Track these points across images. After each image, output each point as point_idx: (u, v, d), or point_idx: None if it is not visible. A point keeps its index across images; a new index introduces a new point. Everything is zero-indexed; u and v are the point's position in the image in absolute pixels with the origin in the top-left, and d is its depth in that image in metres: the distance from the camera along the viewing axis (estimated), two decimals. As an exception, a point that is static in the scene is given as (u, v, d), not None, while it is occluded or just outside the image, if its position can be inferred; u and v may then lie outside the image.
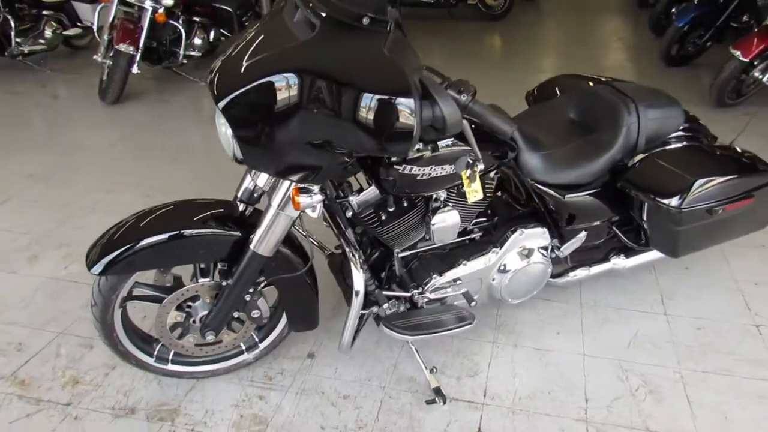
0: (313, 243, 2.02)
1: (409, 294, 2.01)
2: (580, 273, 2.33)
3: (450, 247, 2.12)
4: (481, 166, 1.68)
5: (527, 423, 1.92)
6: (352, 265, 1.75)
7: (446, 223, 1.91)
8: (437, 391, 1.98)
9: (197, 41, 5.51)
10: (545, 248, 2.17)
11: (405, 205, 1.90)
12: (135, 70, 4.79)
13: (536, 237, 2.11)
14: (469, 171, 1.65)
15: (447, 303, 2.10)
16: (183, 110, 4.74)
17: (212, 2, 5.70)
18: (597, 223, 2.21)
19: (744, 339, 2.26)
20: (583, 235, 2.15)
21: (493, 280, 2.12)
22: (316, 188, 1.59)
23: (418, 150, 1.70)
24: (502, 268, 2.10)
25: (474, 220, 2.15)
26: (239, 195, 1.83)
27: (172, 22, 5.00)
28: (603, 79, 2.41)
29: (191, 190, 2.27)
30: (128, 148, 4.00)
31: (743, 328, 2.31)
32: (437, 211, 1.89)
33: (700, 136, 2.33)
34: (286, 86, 1.37)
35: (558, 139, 2.11)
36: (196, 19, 5.52)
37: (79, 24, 5.90)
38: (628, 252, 2.36)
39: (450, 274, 2.04)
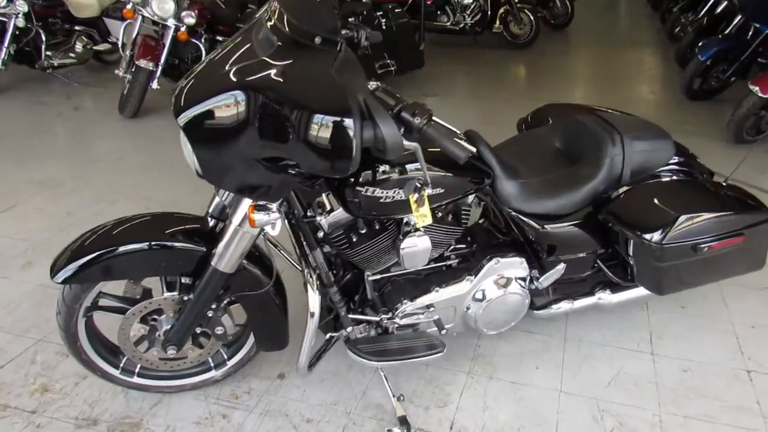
0: (290, 262, 2.01)
1: (377, 318, 1.98)
2: (564, 306, 2.26)
3: (425, 272, 2.09)
4: (428, 191, 1.65)
5: (491, 459, 1.86)
6: (308, 286, 1.73)
7: (416, 247, 1.88)
8: (402, 420, 1.93)
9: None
10: (524, 279, 2.12)
11: (376, 228, 1.88)
12: (155, 85, 4.91)
13: (513, 267, 2.07)
14: (416, 195, 1.62)
15: (419, 330, 2.06)
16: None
17: (236, 22, 5.83)
18: (579, 255, 2.15)
19: (732, 384, 2.15)
20: (561, 266, 2.10)
21: (468, 308, 2.07)
22: (274, 206, 1.59)
23: (384, 172, 1.69)
24: (476, 296, 2.06)
25: (452, 247, 2.12)
26: (210, 211, 1.84)
27: (194, 40, 5.12)
28: (595, 108, 2.37)
29: (191, 204, 2.30)
30: (138, 161, 4.08)
31: (733, 373, 2.20)
32: (407, 235, 1.87)
33: (693, 171, 2.27)
34: (235, 103, 1.38)
35: (539, 167, 2.07)
36: (219, 38, 5.64)
37: (109, 40, 6.09)
38: (615, 287, 2.29)
39: (422, 300, 2.01)
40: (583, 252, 2.15)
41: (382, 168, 1.68)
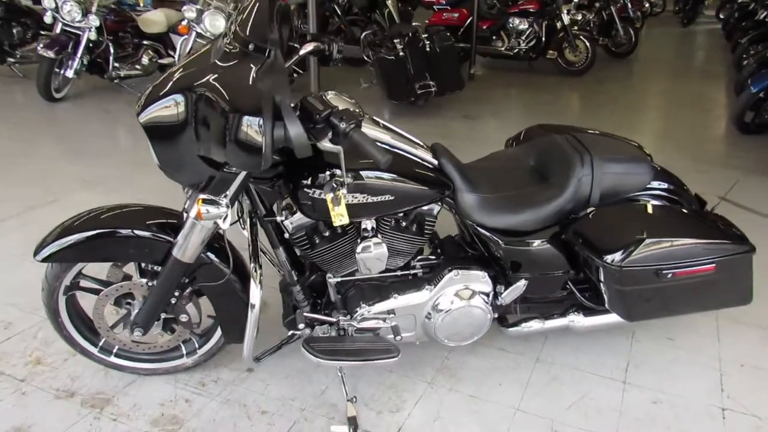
0: (269, 261, 2.12)
1: (334, 320, 2.06)
2: (535, 325, 2.26)
3: (390, 280, 2.14)
4: (344, 191, 1.72)
5: (429, 466, 1.88)
6: (252, 279, 1.83)
7: (371, 253, 1.95)
8: (351, 421, 1.99)
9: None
10: (487, 294, 2.13)
11: (337, 231, 1.96)
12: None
13: (474, 280, 2.09)
14: (332, 194, 1.70)
15: (379, 335, 2.12)
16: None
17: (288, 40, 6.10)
18: (546, 274, 2.14)
19: (702, 421, 2.08)
20: (522, 284, 2.11)
21: (428, 318, 2.11)
22: (223, 200, 1.70)
23: (332, 175, 1.78)
24: (436, 306, 2.09)
25: (419, 257, 2.17)
26: (185, 206, 1.98)
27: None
28: (585, 130, 2.38)
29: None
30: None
31: (706, 410, 2.12)
32: (364, 240, 1.94)
33: (679, 199, 2.23)
34: (176, 104, 1.52)
35: (507, 184, 2.10)
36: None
37: (172, 54, 6.52)
38: (589, 311, 2.26)
39: (380, 306, 2.07)
40: (551, 271, 2.15)
41: (329, 171, 1.77)
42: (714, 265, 2.00)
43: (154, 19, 6.26)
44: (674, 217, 2.08)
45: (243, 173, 1.69)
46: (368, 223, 1.95)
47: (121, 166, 4.28)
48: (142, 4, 6.44)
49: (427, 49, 5.71)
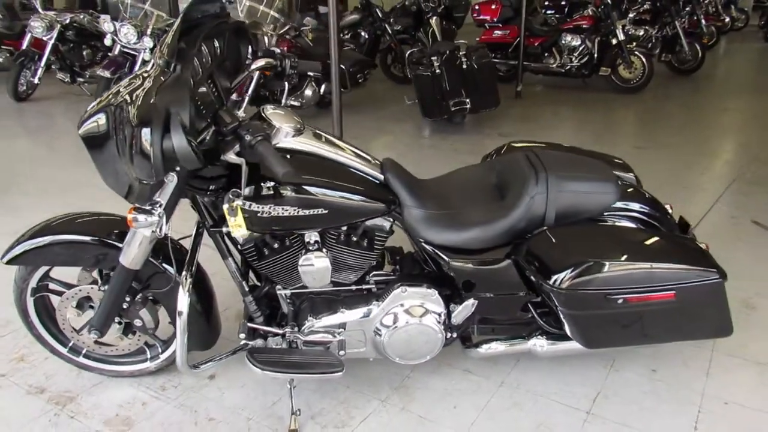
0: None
1: (281, 332, 2.07)
2: (496, 347, 2.19)
3: (344, 294, 2.14)
4: (238, 202, 1.73)
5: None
6: (181, 287, 1.87)
7: (313, 266, 1.96)
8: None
9: (308, 93, 6.06)
10: (439, 313, 2.09)
11: (285, 243, 1.99)
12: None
13: (421, 298, 2.05)
14: (226, 205, 1.71)
15: (329, 349, 2.11)
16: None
17: (327, 59, 6.24)
18: (501, 295, 2.07)
19: (663, 459, 1.93)
20: (470, 303, 2.05)
21: (378, 334, 2.08)
22: (157, 209, 1.76)
23: (269, 188, 1.81)
24: (385, 323, 2.07)
25: (374, 273, 2.15)
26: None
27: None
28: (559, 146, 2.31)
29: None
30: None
31: (671, 447, 1.98)
32: (307, 252, 1.96)
33: (656, 222, 2.10)
34: (103, 118, 1.60)
35: (458, 201, 2.07)
36: (310, 73, 6.08)
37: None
38: (555, 336, 2.16)
39: (327, 320, 2.07)
40: (506, 292, 2.07)
41: (265, 185, 1.81)
42: (673, 292, 1.86)
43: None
44: (633, 240, 1.96)
45: (173, 183, 1.74)
46: (312, 236, 1.97)
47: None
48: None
49: (464, 66, 5.68)
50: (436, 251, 2.01)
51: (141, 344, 2.21)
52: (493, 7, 8.03)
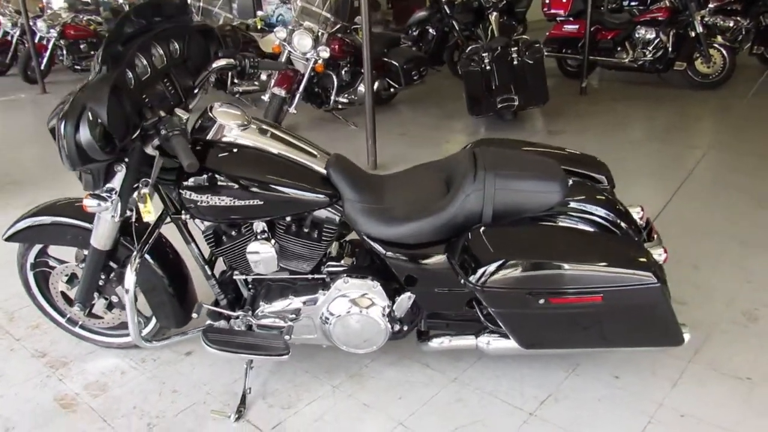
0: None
1: (235, 314, 2.22)
2: (445, 342, 2.21)
3: (300, 283, 2.25)
4: (145, 190, 1.86)
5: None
6: (129, 266, 2.05)
7: (258, 253, 2.09)
8: (238, 409, 2.14)
9: (361, 89, 6.19)
10: (383, 305, 2.14)
11: (239, 232, 2.13)
12: (292, 110, 5.66)
13: (362, 289, 2.12)
14: (135, 193, 1.85)
15: (281, 333, 2.22)
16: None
17: (381, 56, 6.36)
18: (443, 290, 2.09)
19: (592, 465, 1.88)
20: (406, 296, 2.09)
21: (326, 322, 2.17)
22: (113, 195, 1.95)
23: (208, 179, 1.96)
24: (331, 311, 2.15)
25: (328, 263, 2.24)
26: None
27: (329, 72, 5.77)
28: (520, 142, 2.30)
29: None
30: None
31: (605, 455, 1.92)
32: (253, 240, 2.09)
33: (614, 227, 2.05)
34: (54, 114, 1.80)
35: (400, 196, 2.11)
36: (364, 71, 6.21)
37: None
38: (500, 334, 2.15)
39: (278, 305, 2.20)
40: (446, 288, 2.09)
41: (201, 177, 1.95)
42: (601, 295, 1.81)
43: (273, 40, 6.89)
44: (564, 241, 1.92)
45: (122, 172, 1.93)
46: (259, 225, 2.10)
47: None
48: (259, 27, 7.10)
49: (515, 62, 5.59)
50: (374, 244, 2.07)
51: (123, 319, 2.44)
52: (564, 0, 7.78)
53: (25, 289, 2.47)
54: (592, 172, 2.29)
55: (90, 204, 1.95)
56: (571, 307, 1.85)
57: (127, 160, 1.91)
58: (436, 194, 2.09)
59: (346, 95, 6.09)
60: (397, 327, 2.20)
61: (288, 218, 2.10)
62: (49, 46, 8.77)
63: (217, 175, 1.95)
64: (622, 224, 2.07)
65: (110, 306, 2.40)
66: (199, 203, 1.97)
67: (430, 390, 2.25)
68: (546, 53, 7.81)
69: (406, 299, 2.10)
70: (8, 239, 2.30)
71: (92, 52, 8.39)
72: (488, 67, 5.57)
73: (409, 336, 2.28)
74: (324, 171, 2.08)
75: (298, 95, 5.65)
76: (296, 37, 5.53)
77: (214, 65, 2.21)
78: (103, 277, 2.28)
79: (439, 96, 7.43)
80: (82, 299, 2.30)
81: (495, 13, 6.46)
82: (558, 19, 7.95)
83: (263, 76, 6.94)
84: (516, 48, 5.62)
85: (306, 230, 2.14)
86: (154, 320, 2.43)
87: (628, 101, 6.72)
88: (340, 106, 6.03)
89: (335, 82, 5.84)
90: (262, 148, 2.03)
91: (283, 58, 5.71)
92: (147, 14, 1.98)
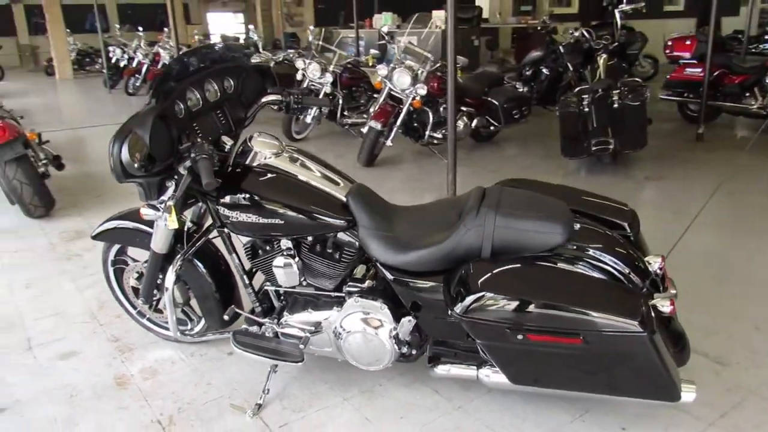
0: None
1: (262, 321, 2.48)
2: (448, 370, 2.28)
3: (324, 299, 2.46)
4: (170, 203, 2.13)
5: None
6: (171, 267, 2.37)
7: (281, 267, 2.34)
8: (257, 406, 2.38)
9: (459, 126, 6.35)
10: (391, 328, 2.28)
11: (270, 248, 2.40)
12: (389, 143, 5.97)
13: (371, 309, 2.27)
14: (163, 205, 2.12)
15: (302, 341, 2.43)
16: (406, 179, 5.67)
17: (482, 95, 6.50)
18: (443, 319, 2.19)
19: None
20: (407, 320, 2.21)
21: (338, 337, 2.36)
22: (161, 207, 2.30)
23: (238, 199, 2.24)
24: (344, 327, 2.33)
25: (350, 282, 2.43)
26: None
27: (425, 108, 6.01)
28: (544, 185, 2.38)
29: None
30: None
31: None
32: (279, 255, 2.35)
33: (620, 274, 2.06)
34: None
35: (414, 226, 2.25)
36: (463, 108, 6.39)
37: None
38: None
39: (299, 317, 2.42)
40: (447, 317, 2.18)
41: (239, 195, 2.24)
42: (580, 338, 1.83)
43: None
44: (552, 281, 1.95)
45: (172, 187, 2.27)
46: (285, 243, 2.34)
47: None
48: (370, 63, 7.53)
49: (615, 105, 5.49)
50: (383, 269, 2.24)
51: (178, 315, 2.79)
52: (688, 42, 7.44)
53: (107, 283, 2.91)
54: (613, 217, 2.29)
55: (145, 212, 2.31)
56: (551, 346, 1.88)
57: (176, 177, 2.25)
58: (443, 227, 2.21)
59: (443, 131, 6.27)
60: (404, 349, 2.33)
61: (310, 238, 2.32)
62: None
63: (247, 195, 2.23)
64: (628, 271, 2.06)
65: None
66: (231, 218, 2.26)
67: (433, 415, 2.34)
68: (665, 96, 7.56)
69: (407, 322, 2.22)
70: (94, 238, 2.75)
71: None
72: (586, 109, 5.50)
73: (425, 361, 2.38)
74: (344, 198, 2.29)
75: (395, 129, 5.94)
76: (396, 74, 5.84)
77: (263, 100, 2.50)
78: (160, 277, 2.64)
79: (544, 136, 7.38)
80: (144, 295, 2.68)
81: (604, 56, 6.35)
82: (681, 61, 7.62)
83: (372, 110, 7.34)
84: (618, 90, 5.51)
85: (329, 251, 2.35)
86: (204, 320, 2.76)
87: (751, 152, 6.26)
88: (435, 141, 6.23)
89: (431, 118, 6.06)
90: (290, 174, 2.28)
91: (383, 95, 6.06)
92: (201, 57, 2.33)
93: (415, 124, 6.22)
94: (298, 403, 2.44)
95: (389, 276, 2.22)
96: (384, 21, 11.03)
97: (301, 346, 2.39)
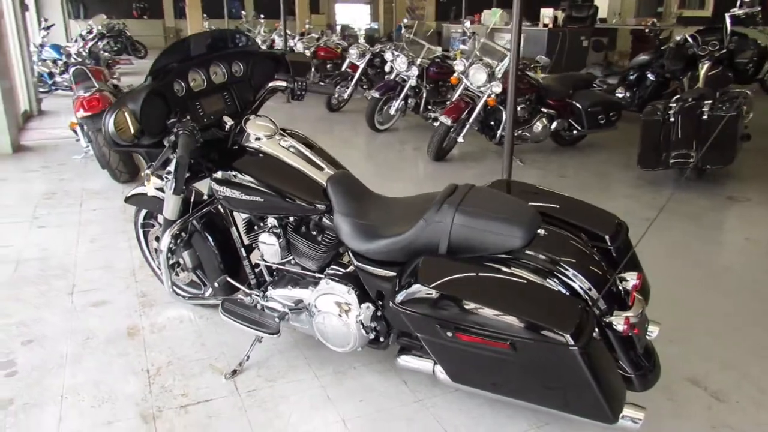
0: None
1: (248, 292, 2.64)
2: (408, 361, 2.30)
3: (308, 278, 2.58)
4: (147, 171, 2.27)
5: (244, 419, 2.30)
6: (166, 232, 2.58)
7: (265, 243, 2.48)
8: (234, 371, 2.55)
9: (536, 127, 6.20)
10: (358, 313, 2.35)
11: (261, 224, 2.56)
12: (459, 139, 5.95)
13: (338, 293, 2.34)
14: (142, 173, 2.27)
15: (285, 314, 2.56)
16: (470, 177, 5.63)
17: (566, 97, 6.27)
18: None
19: None
20: (365, 306, 2.27)
21: (311, 315, 2.46)
22: (167, 177, 2.51)
23: (228, 175, 2.41)
24: (317, 307, 2.43)
25: (332, 266, 2.53)
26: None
27: (500, 107, 5.90)
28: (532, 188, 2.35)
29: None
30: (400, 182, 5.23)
31: None
32: (264, 231, 2.50)
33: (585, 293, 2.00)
34: None
35: (387, 217, 2.30)
36: (544, 109, 6.21)
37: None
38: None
39: (281, 292, 2.56)
40: (401, 308, 2.21)
41: (229, 172, 2.41)
42: (508, 343, 1.80)
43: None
44: (492, 284, 1.92)
45: (174, 159, 2.47)
46: (272, 221, 2.48)
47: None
48: (459, 58, 7.46)
49: (705, 117, 5.09)
50: (350, 254, 2.30)
51: (192, 278, 3.02)
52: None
53: (138, 243, 3.22)
54: (594, 228, 2.20)
55: (154, 181, 2.54)
56: (480, 347, 1.86)
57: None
58: (411, 219, 2.24)
59: (519, 131, 6.14)
60: (371, 336, 2.38)
61: (291, 218, 2.44)
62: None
63: (234, 173, 2.39)
64: (588, 286, 1.98)
65: (180, 266, 3.01)
66: (220, 192, 2.43)
67: (391, 403, 2.38)
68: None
69: (365, 309, 2.28)
70: (126, 201, 3.04)
71: (336, 71, 9.54)
72: (672, 119, 5.16)
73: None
74: (324, 184, 2.38)
75: (467, 125, 5.90)
76: (472, 70, 5.80)
77: (270, 85, 2.64)
78: (172, 241, 2.87)
79: (633, 145, 6.94)
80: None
81: (707, 63, 5.87)
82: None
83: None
84: (711, 101, 5.10)
85: (313, 233, 2.46)
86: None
87: None
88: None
89: (503, 116, 5.94)
90: (276, 156, 2.40)
91: (459, 91, 6.03)
92: (208, 41, 2.50)
93: (491, 123, 6.13)
94: (272, 373, 2.58)
95: (354, 261, 2.29)
96: (492, 16, 10.88)
97: (277, 320, 2.51)
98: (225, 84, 2.57)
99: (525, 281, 1.93)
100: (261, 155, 2.41)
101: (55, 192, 5.01)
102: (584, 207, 2.31)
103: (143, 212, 3.11)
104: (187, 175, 2.36)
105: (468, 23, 6.74)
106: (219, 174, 2.43)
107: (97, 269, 3.57)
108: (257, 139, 2.44)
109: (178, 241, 2.88)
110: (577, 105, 6.21)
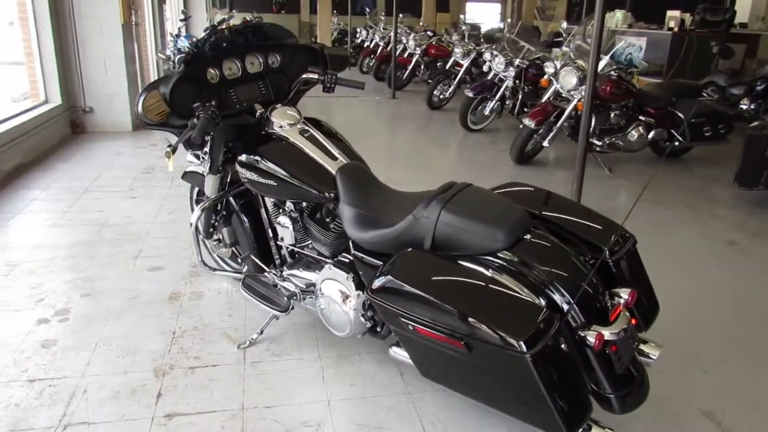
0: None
1: (267, 270, 2.79)
2: (396, 353, 2.33)
3: (322, 262, 2.68)
4: (168, 149, 2.41)
5: (241, 385, 2.46)
6: (197, 209, 2.78)
7: (280, 225, 2.63)
8: (249, 342, 2.73)
9: (633, 136, 5.86)
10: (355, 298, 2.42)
11: (281, 207, 2.71)
12: (545, 143, 5.78)
13: (338, 279, 2.42)
14: (164, 151, 2.44)
15: (291, 294, 2.69)
16: (549, 183, 5.46)
17: (667, 106, 5.87)
18: None
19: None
20: (356, 294, 2.32)
21: (317, 298, 2.56)
22: (203, 157, 2.72)
23: (247, 159, 2.57)
24: (321, 291, 2.52)
25: (343, 252, 2.61)
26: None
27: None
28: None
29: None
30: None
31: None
32: (281, 214, 2.64)
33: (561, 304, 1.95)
34: None
35: (387, 209, 2.33)
36: (642, 117, 5.86)
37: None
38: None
39: (293, 273, 2.69)
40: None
41: (252, 156, 2.57)
42: (462, 342, 1.79)
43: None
44: (457, 283, 1.91)
45: (210, 141, 2.67)
46: (289, 205, 2.62)
47: (429, 171, 5.44)
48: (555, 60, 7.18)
49: None
50: (350, 243, 2.37)
51: (231, 252, 3.24)
52: None
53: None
54: (593, 239, 2.10)
55: (190, 159, 2.77)
56: (435, 343, 1.86)
57: (212, 132, 2.66)
58: (406, 212, 2.26)
59: (611, 138, 5.83)
60: (369, 324, 2.43)
61: (304, 204, 2.56)
62: (413, 61, 10.42)
63: (255, 157, 2.54)
64: (561, 294, 1.91)
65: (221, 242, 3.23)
66: (241, 174, 2.59)
67: (380, 391, 2.43)
68: None
69: (355, 297, 2.34)
70: (182, 178, 3.32)
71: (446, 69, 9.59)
72: (782, 135, 4.67)
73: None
74: (334, 173, 2.46)
75: (554, 130, 5.71)
76: (563, 73, 5.59)
77: (303, 76, 2.77)
78: (214, 217, 3.11)
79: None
80: (203, 231, 3.18)
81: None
82: None
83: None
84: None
85: (326, 220, 2.57)
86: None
87: None
88: (597, 149, 5.82)
89: (593, 123, 5.67)
90: (293, 144, 2.52)
91: (548, 93, 5.85)
92: (242, 34, 2.66)
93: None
94: (280, 348, 2.72)
95: (352, 250, 2.36)
96: (615, 19, 10.36)
97: (286, 299, 2.65)
98: (261, 74, 2.73)
99: (493, 283, 1.90)
100: (280, 142, 2.54)
101: (153, 167, 5.53)
102: (589, 216, 2.20)
103: (197, 189, 3.37)
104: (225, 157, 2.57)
105: (565, 24, 6.49)
106: (243, 157, 2.60)
107: (165, 238, 3.92)
108: (280, 126, 2.58)
109: (218, 217, 3.10)
110: (679, 114, 5.78)
